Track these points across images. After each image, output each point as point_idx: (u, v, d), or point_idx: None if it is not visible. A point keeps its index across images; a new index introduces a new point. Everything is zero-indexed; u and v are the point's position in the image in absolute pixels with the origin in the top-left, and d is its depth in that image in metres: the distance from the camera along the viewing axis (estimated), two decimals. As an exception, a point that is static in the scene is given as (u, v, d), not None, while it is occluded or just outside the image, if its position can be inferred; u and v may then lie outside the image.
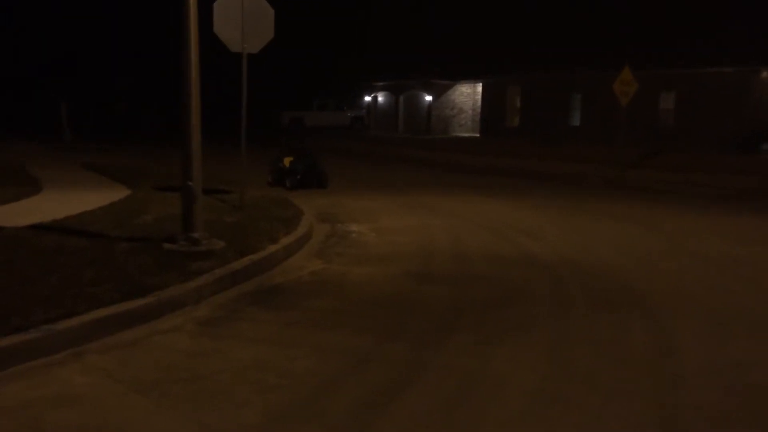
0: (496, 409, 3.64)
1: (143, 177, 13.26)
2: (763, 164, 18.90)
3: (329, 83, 44.19)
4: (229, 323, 5.03)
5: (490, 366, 4.24)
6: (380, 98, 39.37)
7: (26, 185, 11.54)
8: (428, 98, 34.85)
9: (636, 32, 25.45)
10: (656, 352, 4.55)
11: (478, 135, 33.45)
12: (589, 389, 3.90)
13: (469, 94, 35.48)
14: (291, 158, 13.29)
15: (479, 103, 34.25)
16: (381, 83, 38.36)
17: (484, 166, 19.77)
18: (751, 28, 22.53)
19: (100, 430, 3.35)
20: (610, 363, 4.32)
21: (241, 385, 3.89)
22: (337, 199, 11.92)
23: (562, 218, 10.33)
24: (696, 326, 5.10)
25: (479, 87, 34.06)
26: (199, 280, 5.63)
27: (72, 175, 13.99)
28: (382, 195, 12.89)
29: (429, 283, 6.33)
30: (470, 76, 33.69)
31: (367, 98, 40.61)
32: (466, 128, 35.59)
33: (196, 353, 4.40)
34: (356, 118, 42.15)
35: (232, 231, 7.49)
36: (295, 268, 6.81)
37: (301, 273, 6.61)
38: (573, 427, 3.46)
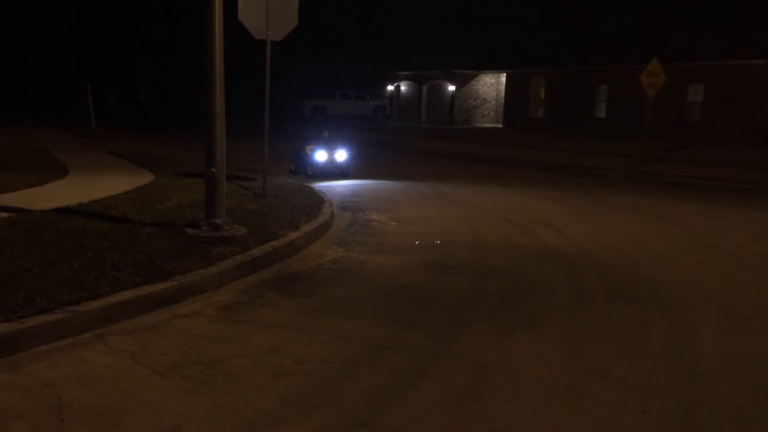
0: (510, 401, 3.65)
1: (167, 163, 13.41)
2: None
3: (353, 72, 44.12)
4: (248, 309, 5.09)
5: (506, 357, 4.25)
6: (403, 88, 39.27)
7: (52, 170, 11.73)
8: (451, 88, 34.69)
9: (665, 24, 25.05)
10: (674, 346, 4.52)
11: (501, 126, 33.26)
12: (605, 383, 3.89)
13: (492, 84, 35.26)
14: (313, 146, 13.20)
15: (502, 93, 34.02)
16: (404, 73, 38.25)
17: (506, 157, 19.66)
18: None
19: (119, 409, 3.43)
20: (626, 356, 4.30)
21: (258, 370, 3.94)
22: (358, 188, 11.95)
23: (582, 211, 10.26)
24: (714, 321, 5.05)
25: (503, 77, 33.82)
26: (220, 265, 5.70)
27: (97, 161, 14.19)
28: (403, 184, 12.90)
29: (447, 273, 6.34)
30: (494, 66, 33.45)
31: (390, 87, 40.53)
32: (489, 119, 35.39)
33: (215, 337, 4.47)
34: (378, 108, 42.08)
35: (254, 218, 7.56)
36: (315, 255, 6.86)
37: (321, 260, 6.66)
38: (588, 420, 3.46)
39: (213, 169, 6.66)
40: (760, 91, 21.97)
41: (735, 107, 22.49)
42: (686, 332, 4.81)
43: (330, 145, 13.25)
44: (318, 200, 9.26)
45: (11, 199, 8.48)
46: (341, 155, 13.25)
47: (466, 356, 4.25)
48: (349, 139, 14.86)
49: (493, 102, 35.46)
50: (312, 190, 10.26)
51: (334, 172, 13.11)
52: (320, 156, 13.04)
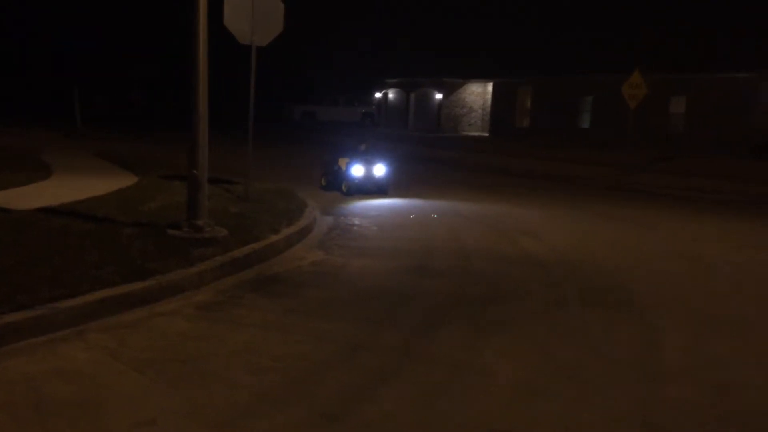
0: (480, 399, 3.76)
1: (152, 165, 13.44)
2: (770, 172, 18.86)
3: (342, 79, 44.34)
4: (227, 308, 5.17)
5: (479, 358, 4.36)
6: (391, 95, 39.45)
7: (37, 170, 11.74)
8: (439, 96, 34.91)
9: (648, 37, 25.43)
10: (641, 348, 4.66)
11: (487, 134, 33.50)
12: (573, 382, 4.01)
13: (479, 93, 35.50)
14: (348, 159, 11.99)
15: (489, 102, 34.29)
16: (392, 80, 38.44)
17: (490, 166, 19.83)
18: (762, 33, 22.49)
19: (97, 403, 3.50)
20: (595, 358, 4.43)
21: (234, 367, 4.03)
22: (341, 194, 12.04)
23: (564, 219, 10.42)
24: (681, 325, 5.20)
25: (490, 86, 34.09)
26: (201, 265, 5.78)
27: (82, 162, 14.20)
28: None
29: (426, 277, 6.45)
30: (481, 76, 33.73)
31: (378, 95, 40.71)
32: (476, 127, 35.62)
33: (193, 336, 4.55)
34: (366, 114, 42.31)
35: (236, 220, 7.64)
36: (296, 258, 6.95)
37: (301, 263, 6.75)
38: (554, 417, 3.57)
39: (195, 171, 6.74)
40: (743, 103, 22.33)
41: (717, 119, 22.84)
42: (654, 335, 4.95)
43: (367, 159, 11.96)
44: (300, 204, 9.35)
45: (-6, 198, 8.50)
46: (380, 170, 11.97)
47: (440, 356, 4.35)
48: (336, 145, 14.55)
49: (480, 111, 35.70)
50: (295, 194, 10.30)
51: (372, 188, 11.87)
52: (357, 171, 11.78)
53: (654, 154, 21.23)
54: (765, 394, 4.00)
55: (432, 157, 22.25)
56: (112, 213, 7.69)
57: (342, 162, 12.07)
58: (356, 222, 9.28)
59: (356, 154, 12.04)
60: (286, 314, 5.11)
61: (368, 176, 11.85)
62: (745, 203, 13.46)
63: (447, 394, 3.80)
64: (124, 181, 10.88)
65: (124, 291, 5.00)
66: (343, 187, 11.85)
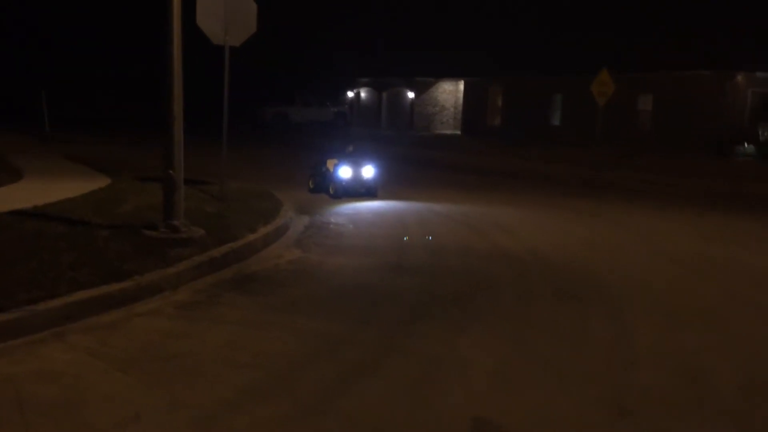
0: (457, 389, 3.86)
1: (124, 167, 13.33)
2: (735, 168, 19.36)
3: (314, 79, 44.26)
4: (206, 307, 5.21)
5: (455, 351, 4.47)
6: (363, 94, 39.53)
7: (7, 174, 11.58)
8: (411, 95, 35.08)
9: (616, 36, 25.85)
10: (612, 338, 4.81)
11: (459, 133, 33.75)
12: (547, 372, 4.14)
13: (451, 92, 35.75)
14: (335, 161, 11.64)
15: (461, 101, 34.56)
16: (364, 79, 38.52)
17: (463, 164, 20.02)
18: (727, 32, 23.02)
19: (80, 402, 3.52)
20: (568, 348, 4.56)
21: (216, 364, 4.08)
22: (317, 194, 12.07)
23: (536, 215, 10.60)
24: (651, 316, 5.37)
25: (461, 85, 34.36)
26: (178, 265, 5.80)
27: (53, 165, 14.02)
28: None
29: (402, 273, 6.54)
30: (453, 74, 33.98)
31: (350, 94, 40.76)
32: (448, 126, 35.85)
33: (173, 334, 4.58)
34: (339, 114, 42.31)
35: (212, 220, 7.65)
36: (273, 256, 6.99)
37: (278, 261, 6.80)
38: (531, 404, 3.69)
39: (171, 172, 6.75)
40: (709, 101, 22.84)
41: (684, 117, 23.33)
42: (624, 326, 5.11)
43: (355, 160, 11.65)
44: (276, 204, 9.38)
45: (-36, 202, 8.39)
46: (368, 171, 11.67)
47: (417, 350, 4.44)
48: (309, 147, 14.41)
49: (452, 109, 35.94)
50: (271, 194, 10.33)
51: (360, 190, 11.58)
52: (344, 173, 11.42)
53: (623, 152, 21.62)
54: (732, 379, 4.16)
55: (405, 156, 22.38)
56: (86, 215, 7.64)
57: (330, 163, 11.69)
58: (332, 220, 9.34)
59: (344, 156, 11.70)
60: (266, 312, 5.16)
61: (356, 178, 11.53)
62: (711, 198, 13.80)
63: (426, 386, 3.89)
64: (97, 183, 10.79)
65: (103, 292, 5.00)
66: (330, 190, 11.53)
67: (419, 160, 21.23)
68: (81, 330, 4.56)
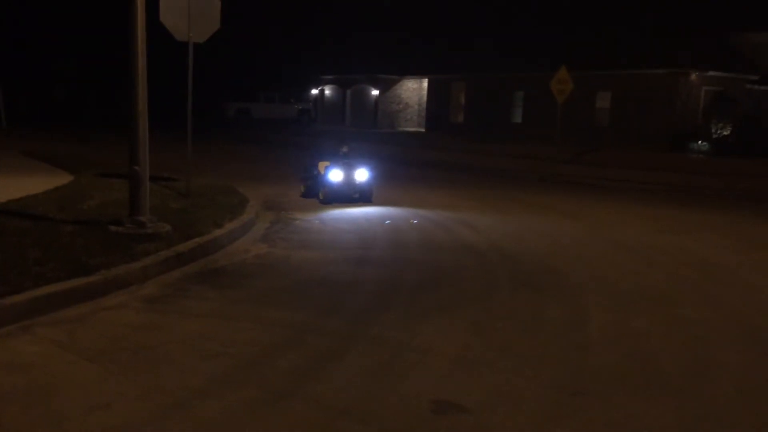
0: (419, 373, 4.03)
1: (85, 164, 13.20)
2: (688, 162, 20.02)
3: (278, 75, 44.09)
4: (174, 300, 5.28)
5: (417, 337, 4.63)
6: (327, 91, 39.54)
7: (-36, 170, 11.38)
8: (375, 92, 35.23)
9: (574, 34, 26.41)
10: (567, 324, 5.04)
11: (423, 130, 34.02)
12: (505, 356, 4.34)
13: (415, 89, 36.02)
14: (327, 163, 10.73)
15: (425, 98, 34.83)
16: (328, 77, 38.54)
17: (426, 160, 20.26)
18: (681, 33, 23.71)
19: (50, 391, 3.59)
20: (525, 334, 4.78)
21: (186, 353, 4.17)
22: (282, 189, 12.15)
23: (497, 209, 10.85)
24: (605, 303, 5.63)
25: (425, 83, 34.63)
26: (145, 260, 5.85)
27: (11, 161, 13.79)
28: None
29: (366, 266, 6.69)
30: (416, 72, 34.23)
31: (314, 91, 40.72)
32: (413, 123, 36.11)
33: (142, 326, 4.65)
34: (303, 111, 42.28)
35: (178, 216, 7.69)
36: (240, 251, 7.08)
37: (245, 256, 6.88)
38: (490, 386, 3.87)
39: (136, 167, 6.77)
40: (664, 99, 23.49)
41: (640, 113, 23.96)
42: (579, 313, 5.35)
43: (348, 163, 10.73)
44: (242, 200, 9.44)
45: None
46: (362, 175, 10.72)
47: (381, 338, 4.60)
48: (273, 143, 14.27)
49: (416, 107, 36.22)
50: (236, 190, 10.36)
51: (353, 196, 10.67)
52: (335, 176, 10.50)
53: (581, 147, 22.13)
54: (680, 358, 4.42)
55: (370, 153, 22.51)
56: (50, 211, 7.61)
57: (322, 166, 10.80)
58: (298, 216, 9.43)
59: (336, 158, 10.86)
60: (234, 304, 5.26)
61: (348, 182, 10.61)
62: (665, 192, 14.27)
63: (391, 371, 4.05)
64: (59, 179, 10.69)
65: (69, 286, 5.04)
66: (320, 195, 10.69)
67: (383, 157, 21.39)
68: (49, 323, 4.60)
